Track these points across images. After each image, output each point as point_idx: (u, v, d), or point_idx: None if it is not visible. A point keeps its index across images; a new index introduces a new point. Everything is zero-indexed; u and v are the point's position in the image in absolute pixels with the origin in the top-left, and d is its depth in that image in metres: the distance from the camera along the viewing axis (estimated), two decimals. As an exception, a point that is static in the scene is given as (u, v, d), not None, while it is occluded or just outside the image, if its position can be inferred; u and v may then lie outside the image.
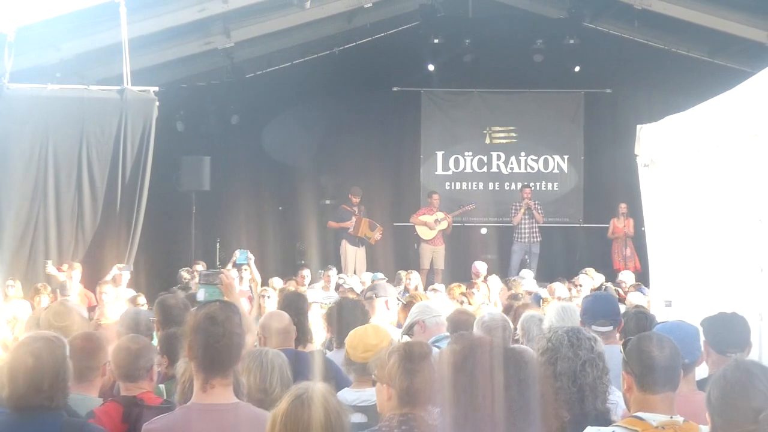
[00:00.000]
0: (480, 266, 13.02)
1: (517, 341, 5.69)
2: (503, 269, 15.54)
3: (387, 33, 16.41)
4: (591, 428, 3.34)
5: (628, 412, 3.51)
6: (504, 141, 17.78)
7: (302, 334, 5.81)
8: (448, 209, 16.34)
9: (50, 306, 5.44)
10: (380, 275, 12.46)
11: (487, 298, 10.60)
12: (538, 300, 9.02)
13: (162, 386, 4.81)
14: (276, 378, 4.17)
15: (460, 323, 5.82)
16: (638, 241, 14.50)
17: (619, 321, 5.23)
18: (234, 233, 15.86)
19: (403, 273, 12.46)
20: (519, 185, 16.94)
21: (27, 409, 3.49)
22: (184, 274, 12.38)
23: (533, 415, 2.58)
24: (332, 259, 15.59)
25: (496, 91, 17.55)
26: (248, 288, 11.56)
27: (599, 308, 5.26)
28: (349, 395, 4.58)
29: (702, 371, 4.45)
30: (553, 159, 17.69)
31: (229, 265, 11.96)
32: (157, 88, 12.64)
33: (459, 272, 14.59)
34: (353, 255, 15.78)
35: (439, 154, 17.73)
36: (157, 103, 12.47)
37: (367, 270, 14.83)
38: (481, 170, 17.67)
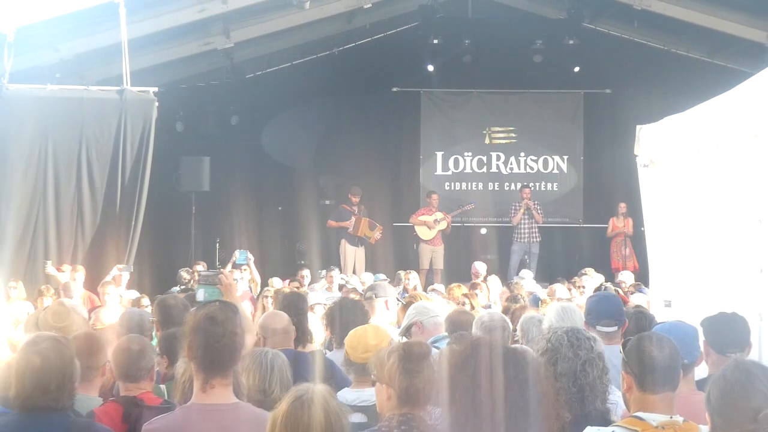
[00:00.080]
0: (479, 266, 13.03)
1: (516, 342, 5.69)
2: (503, 269, 15.54)
3: (386, 33, 16.42)
4: (591, 428, 3.34)
5: (627, 412, 3.51)
6: (503, 141, 17.79)
7: (302, 335, 5.82)
8: (447, 209, 16.34)
9: (49, 306, 5.43)
10: (382, 276, 12.45)
11: (486, 298, 10.59)
12: (536, 301, 9.00)
13: (163, 386, 4.82)
14: (275, 379, 4.17)
15: (459, 323, 5.82)
16: (637, 241, 14.52)
17: (623, 321, 5.21)
18: (234, 234, 15.88)
19: (402, 273, 12.46)
20: (518, 185, 16.94)
21: (34, 410, 3.49)
22: (184, 274, 12.39)
23: (534, 416, 2.58)
24: (332, 259, 15.60)
25: (496, 91, 17.56)
26: (248, 288, 11.57)
27: (603, 308, 5.25)
28: (348, 395, 4.58)
29: (702, 371, 4.45)
30: (553, 159, 17.70)
31: (229, 266, 11.97)
32: (156, 89, 12.64)
33: (458, 272, 14.60)
34: (352, 255, 15.78)
35: (439, 155, 17.73)
36: (157, 104, 12.47)
37: (366, 270, 14.84)
38: (481, 170, 17.68)
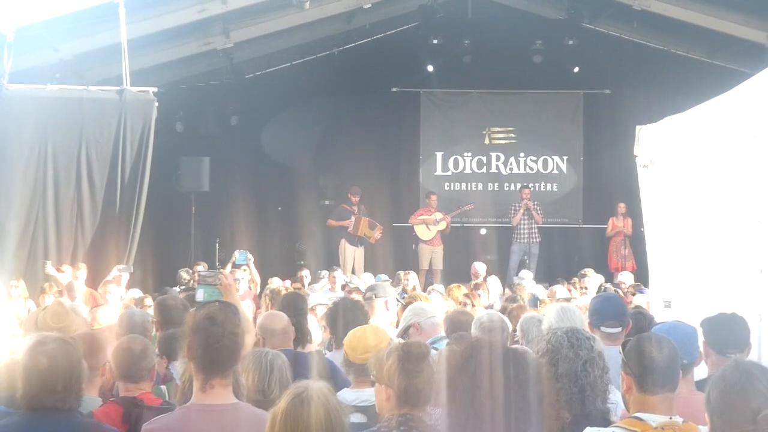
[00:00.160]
0: (479, 267, 13.03)
1: (516, 342, 5.69)
2: (502, 270, 15.55)
3: (386, 34, 16.42)
4: (591, 429, 3.34)
5: (627, 412, 3.51)
6: (503, 142, 17.79)
7: (301, 335, 5.81)
8: (447, 210, 16.35)
9: (48, 307, 5.43)
10: (384, 276, 12.45)
11: (486, 298, 10.60)
12: (535, 301, 9.00)
13: (163, 387, 4.82)
14: (275, 379, 4.17)
15: (458, 324, 5.82)
16: (636, 242, 14.53)
17: (627, 322, 5.20)
18: (233, 234, 15.89)
19: (401, 273, 12.46)
20: (518, 186, 16.94)
21: (40, 410, 3.50)
22: (184, 274, 12.40)
23: (534, 416, 2.58)
24: (331, 259, 15.61)
25: (496, 91, 17.56)
26: (248, 288, 11.57)
27: (608, 309, 5.24)
28: (348, 395, 4.58)
29: (701, 372, 4.46)
30: (553, 160, 17.70)
31: (229, 266, 11.96)
32: (156, 89, 12.66)
33: (458, 273, 14.61)
34: (352, 254, 15.78)
35: (439, 155, 17.73)
36: (157, 104, 12.48)
37: (365, 270, 14.84)
38: (481, 171, 17.67)
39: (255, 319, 7.62)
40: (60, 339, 3.66)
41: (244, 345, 3.63)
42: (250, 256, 11.67)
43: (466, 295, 9.15)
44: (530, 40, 16.03)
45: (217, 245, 15.38)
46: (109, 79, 12.96)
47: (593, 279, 11.43)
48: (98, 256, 12.15)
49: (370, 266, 15.27)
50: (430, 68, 16.31)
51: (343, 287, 11.68)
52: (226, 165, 16.19)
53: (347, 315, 5.98)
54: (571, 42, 15.73)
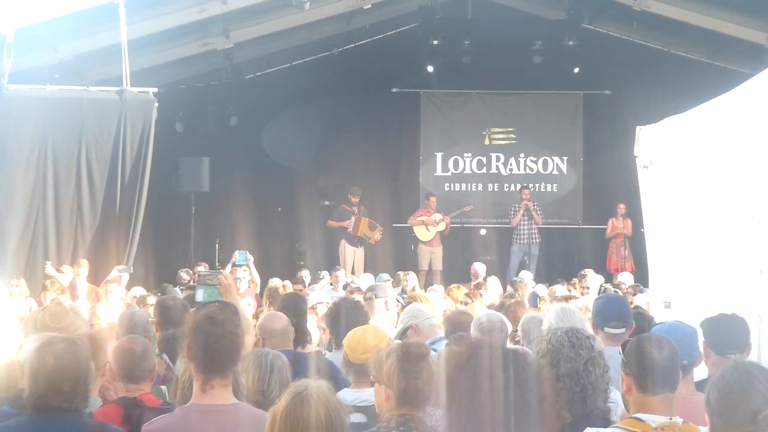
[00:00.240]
0: (479, 267, 13.03)
1: (517, 343, 5.69)
2: (502, 270, 15.55)
3: (386, 34, 16.42)
4: (591, 429, 3.34)
5: (627, 413, 3.51)
6: (503, 142, 17.79)
7: (301, 335, 5.81)
8: (446, 210, 16.35)
9: (47, 307, 5.42)
10: (385, 276, 12.45)
11: (487, 298, 10.59)
12: (535, 298, 9.00)
13: (164, 387, 4.81)
14: (275, 379, 4.17)
15: (458, 324, 5.82)
16: (635, 243, 14.53)
17: (630, 323, 5.18)
18: (233, 234, 15.89)
19: (401, 274, 12.46)
20: (518, 186, 16.93)
21: (46, 410, 3.50)
22: (184, 275, 12.40)
23: (534, 417, 2.58)
24: (331, 259, 15.61)
25: (495, 92, 17.56)
26: (248, 287, 11.57)
27: (611, 310, 5.24)
28: (348, 395, 4.58)
29: (701, 372, 4.46)
30: (553, 160, 17.70)
31: (229, 266, 11.97)
32: (156, 89, 12.65)
33: (458, 273, 14.60)
34: (352, 255, 15.78)
35: (439, 156, 17.73)
36: (156, 104, 12.48)
37: (365, 270, 14.84)
38: (481, 171, 17.67)
39: (257, 316, 7.64)
40: (68, 339, 3.67)
41: (244, 345, 3.63)
42: (250, 256, 11.67)
43: (467, 294, 9.14)
44: (530, 41, 16.03)
45: (217, 245, 15.39)
46: (109, 80, 12.96)
47: (593, 279, 11.42)
48: (98, 257, 12.15)
49: (370, 267, 15.26)
50: (430, 69, 16.31)
51: (345, 287, 11.69)
52: (225, 165, 16.19)
53: (347, 315, 5.98)
54: (571, 42, 15.73)
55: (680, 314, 6.08)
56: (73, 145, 12.32)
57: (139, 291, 10.63)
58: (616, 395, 3.84)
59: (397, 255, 16.44)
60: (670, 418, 3.32)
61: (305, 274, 13.93)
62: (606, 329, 5.05)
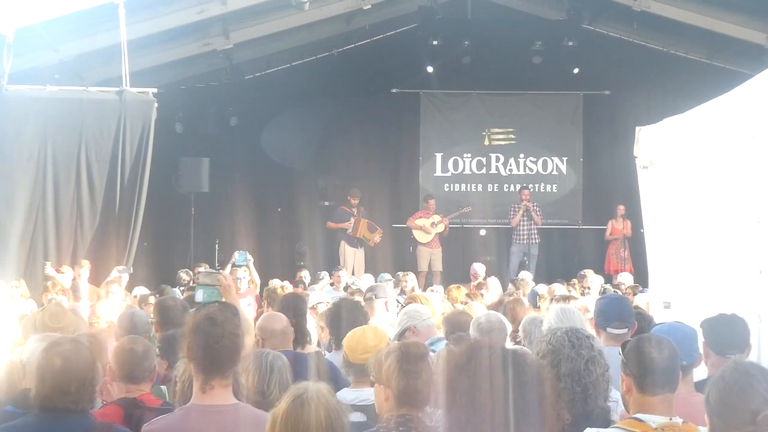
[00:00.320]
0: (479, 268, 13.03)
1: (518, 342, 5.69)
2: (502, 271, 15.55)
3: (386, 35, 16.43)
4: (591, 429, 3.34)
5: (627, 413, 3.51)
6: (503, 143, 17.79)
7: (300, 336, 5.81)
8: (446, 211, 16.35)
9: (46, 308, 5.42)
10: (387, 276, 12.45)
11: (488, 298, 10.58)
12: (534, 296, 9.00)
13: (164, 387, 4.81)
14: (274, 380, 4.17)
15: (458, 324, 5.82)
16: (634, 244, 14.52)
17: (633, 323, 5.18)
18: (233, 235, 15.89)
19: (401, 274, 12.46)
20: (518, 187, 16.94)
21: (52, 411, 3.51)
22: (184, 275, 12.40)
23: (534, 418, 2.58)
24: (331, 260, 15.60)
25: (495, 92, 17.56)
26: (248, 287, 11.57)
27: (614, 311, 5.23)
28: (348, 395, 4.58)
29: (701, 373, 4.46)
30: (552, 161, 17.70)
31: (228, 267, 11.97)
32: (156, 90, 12.65)
33: (458, 274, 14.60)
34: (352, 256, 15.79)
35: (438, 156, 17.73)
36: (156, 105, 12.48)
37: (366, 271, 14.84)
38: (480, 172, 17.67)
39: (257, 318, 7.63)
40: (75, 340, 3.69)
41: (243, 346, 3.63)
42: (249, 257, 11.67)
43: (468, 295, 9.14)
44: (530, 41, 16.03)
45: (217, 246, 15.39)
46: (108, 80, 12.96)
47: (594, 280, 11.42)
48: (98, 257, 12.15)
49: (371, 268, 15.27)
50: (430, 69, 16.32)
51: (345, 288, 11.69)
52: (225, 166, 16.20)
53: (347, 316, 5.98)
54: (570, 43, 15.73)
55: (680, 315, 6.08)
56: (72, 146, 12.32)
57: (141, 291, 10.64)
58: (616, 394, 3.84)
59: (396, 256, 16.44)
60: (670, 419, 3.32)
61: (305, 275, 13.93)
62: (608, 330, 5.04)
